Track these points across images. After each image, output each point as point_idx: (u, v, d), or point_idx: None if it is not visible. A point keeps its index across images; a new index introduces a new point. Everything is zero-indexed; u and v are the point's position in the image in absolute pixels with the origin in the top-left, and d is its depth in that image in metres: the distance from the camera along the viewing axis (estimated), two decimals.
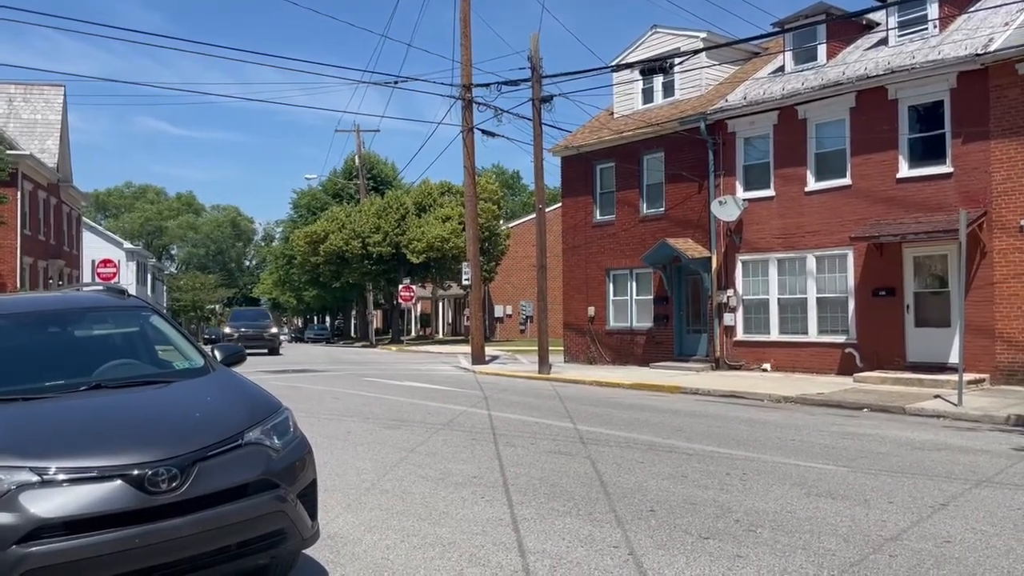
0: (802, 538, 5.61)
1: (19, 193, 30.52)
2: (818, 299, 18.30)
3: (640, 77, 22.76)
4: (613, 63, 22.65)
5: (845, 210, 17.65)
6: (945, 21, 17.32)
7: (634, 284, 22.59)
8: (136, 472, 3.71)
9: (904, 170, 16.82)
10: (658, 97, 22.71)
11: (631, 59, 22.46)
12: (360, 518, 6.26)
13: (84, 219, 48.64)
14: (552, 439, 9.97)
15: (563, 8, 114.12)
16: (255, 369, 21.26)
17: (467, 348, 28.04)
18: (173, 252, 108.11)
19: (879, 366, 16.74)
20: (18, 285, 29.88)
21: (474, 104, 23.44)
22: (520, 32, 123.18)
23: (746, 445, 9.48)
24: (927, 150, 16.59)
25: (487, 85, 25.14)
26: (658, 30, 22.28)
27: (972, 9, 17.44)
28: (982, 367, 15.42)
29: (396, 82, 23.57)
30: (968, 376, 14.14)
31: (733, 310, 19.87)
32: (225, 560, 3.96)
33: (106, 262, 29.79)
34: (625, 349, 22.54)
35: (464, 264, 27.68)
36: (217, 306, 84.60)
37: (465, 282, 26.89)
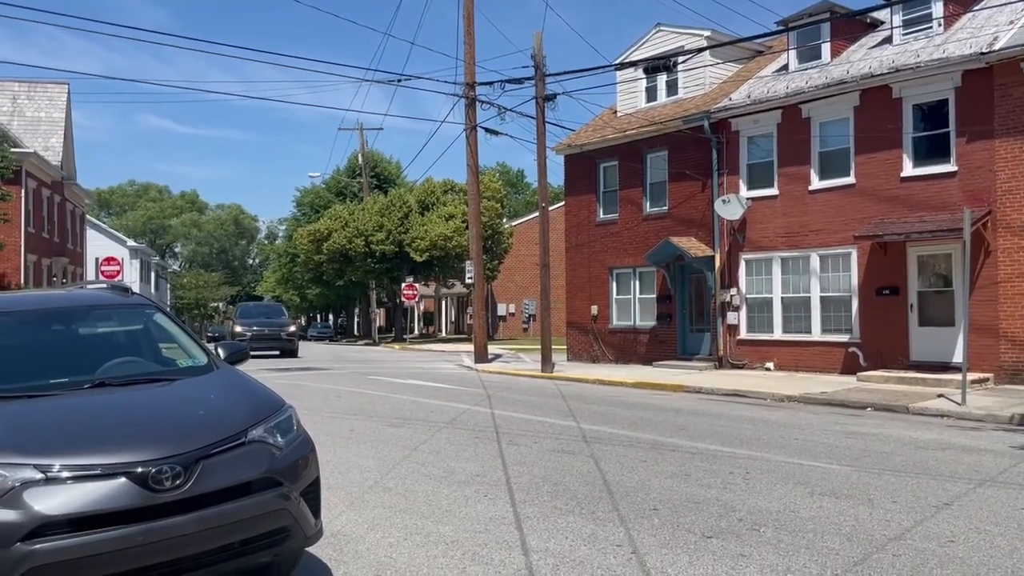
0: (805, 537, 5.60)
1: (23, 191, 30.56)
2: (822, 298, 18.28)
3: (644, 75, 22.76)
4: (617, 61, 22.63)
5: (849, 209, 17.62)
6: (950, 20, 17.28)
7: (637, 283, 22.58)
8: (140, 470, 3.71)
9: (908, 169, 16.79)
10: (662, 95, 22.69)
11: (635, 57, 22.43)
12: (363, 516, 6.26)
13: (88, 217, 48.73)
14: (555, 438, 9.97)
15: (567, 6, 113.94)
16: (258, 367, 21.29)
17: (470, 346, 28.06)
18: (177, 250, 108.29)
19: (883, 365, 16.71)
20: (22, 283, 29.93)
21: (477, 102, 23.43)
22: (523, 30, 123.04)
23: (749, 444, 9.47)
24: (931, 149, 16.55)
25: (491, 83, 25.23)
26: (662, 28, 22.25)
27: (977, 7, 17.39)
28: (986, 366, 15.39)
29: (399, 80, 23.64)
30: (972, 375, 14.11)
31: (736, 309, 19.84)
32: (228, 558, 3.97)
33: (110, 260, 29.83)
34: (628, 348, 22.52)
35: (467, 262, 27.69)
36: (220, 304, 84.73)
37: (468, 280, 26.90)
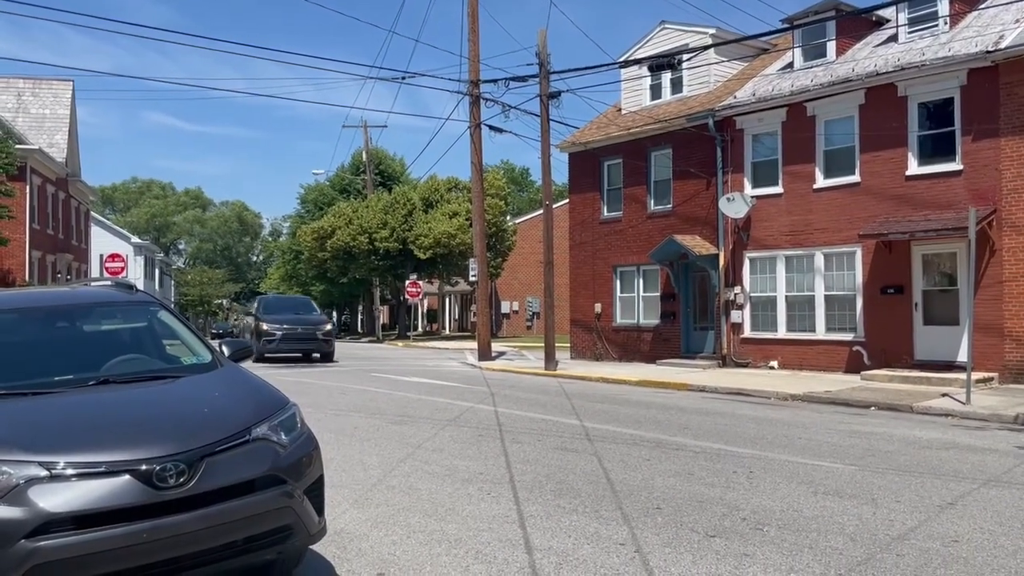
0: (809, 537, 5.59)
1: (28, 187, 30.63)
2: (826, 297, 18.25)
3: (648, 73, 22.71)
4: (621, 59, 22.60)
5: (854, 207, 17.59)
6: (955, 18, 17.24)
7: (641, 281, 22.56)
8: (144, 467, 3.72)
9: (913, 167, 16.75)
10: (666, 93, 22.66)
11: (639, 55, 22.41)
12: (366, 514, 6.27)
13: (92, 213, 48.80)
14: (558, 436, 9.97)
15: (571, 4, 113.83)
16: (261, 364, 21.32)
17: (473, 344, 28.05)
18: (181, 247, 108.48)
19: (887, 364, 16.68)
20: (26, 279, 30.00)
21: (482, 100, 23.42)
22: (528, 28, 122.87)
23: (753, 443, 9.46)
24: (937, 148, 16.51)
25: (495, 81, 25.16)
26: (666, 26, 22.21)
27: (983, 6, 17.34)
28: (991, 366, 15.36)
29: (403, 78, 23.73)
30: (976, 375, 14.09)
31: (740, 307, 19.82)
32: (232, 555, 3.97)
33: (114, 256, 29.85)
34: (631, 346, 22.51)
35: (471, 260, 27.68)
36: (224, 300, 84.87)
37: (472, 278, 26.90)
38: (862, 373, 16.59)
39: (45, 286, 24.40)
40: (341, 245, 43.81)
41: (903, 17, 17.86)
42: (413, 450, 8.96)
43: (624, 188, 22.85)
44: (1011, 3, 16.05)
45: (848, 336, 17.75)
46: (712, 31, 21.42)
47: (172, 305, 48.55)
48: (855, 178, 17.66)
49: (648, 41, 22.57)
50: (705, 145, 20.31)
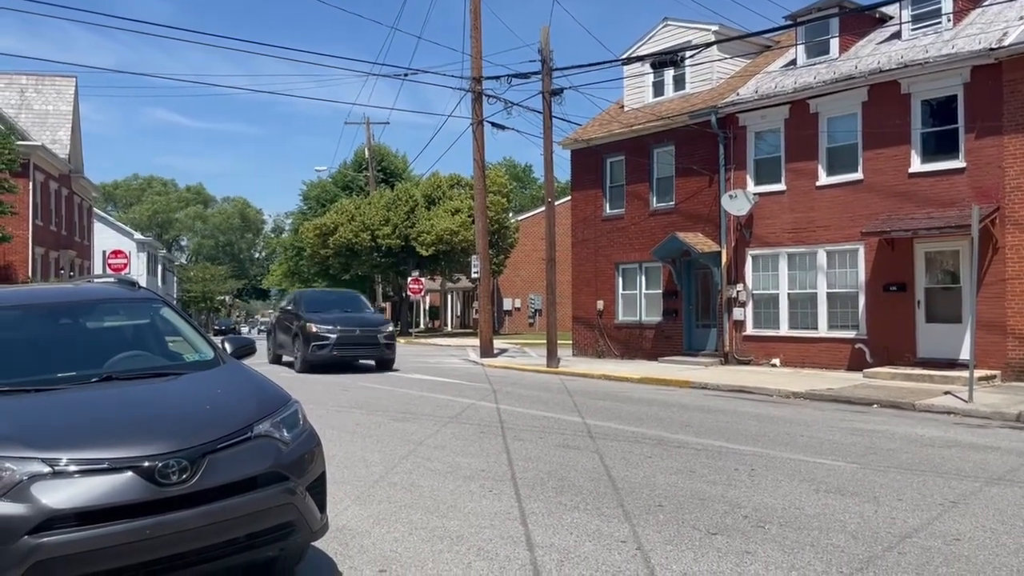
0: (811, 535, 5.59)
1: (31, 183, 30.65)
2: (828, 294, 18.23)
3: (651, 70, 22.69)
4: (624, 56, 22.57)
5: (856, 205, 17.56)
6: (959, 15, 17.20)
7: (643, 278, 22.55)
8: (147, 464, 3.73)
9: (916, 165, 16.72)
10: (669, 90, 22.63)
11: (642, 52, 22.38)
12: (368, 511, 6.28)
13: (95, 210, 48.84)
14: (560, 433, 9.98)
15: (574, 0, 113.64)
16: (263, 361, 21.33)
17: (476, 341, 28.06)
18: (183, 243, 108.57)
19: (889, 362, 16.67)
20: (29, 276, 30.03)
21: (484, 97, 23.39)
22: (530, 25, 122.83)
23: (755, 440, 9.46)
24: (940, 145, 16.48)
25: (497, 78, 25.13)
26: (669, 23, 22.19)
27: (986, 3, 17.27)
28: (993, 363, 15.34)
29: (406, 74, 23.58)
30: (979, 372, 14.06)
31: (743, 305, 19.81)
32: (234, 552, 3.98)
33: (117, 253, 29.87)
34: (634, 343, 22.51)
35: (473, 257, 27.66)
36: (227, 297, 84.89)
37: (474, 275, 26.88)
38: (864, 371, 16.57)
39: (48, 283, 24.43)
40: (343, 242, 43.82)
41: (906, 14, 17.82)
42: (415, 447, 8.97)
43: (626, 185, 22.83)
44: (1015, 0, 16.02)
45: (850, 334, 17.73)
46: (715, 28, 21.39)
47: (174, 302, 48.51)
48: (858, 175, 17.63)
49: (651, 38, 22.54)
50: (708, 142, 20.29)
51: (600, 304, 23.47)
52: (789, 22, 19.81)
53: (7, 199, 25.71)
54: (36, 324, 5.22)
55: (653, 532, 5.66)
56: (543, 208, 25.71)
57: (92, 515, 3.57)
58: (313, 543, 4.76)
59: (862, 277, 17.56)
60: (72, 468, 3.66)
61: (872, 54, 17.91)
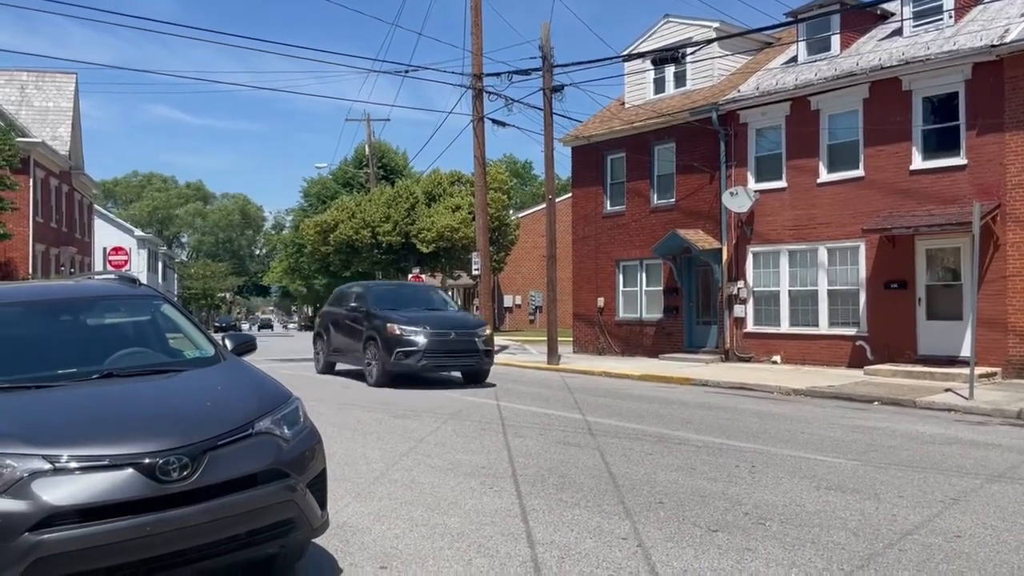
0: (811, 532, 5.59)
1: (31, 180, 30.62)
2: (829, 291, 18.23)
3: (652, 67, 22.67)
4: (625, 52, 22.55)
5: (857, 202, 17.55)
6: (960, 12, 17.17)
7: (644, 275, 22.55)
8: (147, 461, 3.72)
9: (917, 162, 16.71)
10: (670, 87, 22.61)
11: (643, 48, 22.36)
12: (369, 508, 6.28)
13: (95, 206, 48.82)
14: (561, 430, 9.97)
15: None
16: (263, 357, 21.34)
17: None
18: (184, 240, 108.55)
19: (890, 359, 16.66)
20: (30, 272, 30.03)
21: (485, 93, 23.33)
22: (531, 21, 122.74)
23: (755, 437, 9.45)
24: (941, 142, 16.46)
25: (498, 74, 24.99)
26: (670, 19, 22.16)
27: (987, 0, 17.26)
28: (994, 361, 15.34)
29: (407, 71, 23.47)
30: (980, 370, 14.06)
31: (743, 302, 19.80)
32: (235, 549, 3.98)
33: (117, 250, 29.85)
34: (634, 340, 22.51)
35: (474, 254, 27.62)
36: (228, 294, 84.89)
37: (475, 272, 26.85)
38: (865, 368, 16.57)
39: (48, 279, 24.42)
40: (344, 239, 43.81)
41: (908, 11, 17.79)
42: (415, 444, 8.97)
43: (627, 182, 22.82)
44: None
45: (851, 331, 17.73)
46: (716, 25, 21.36)
47: (175, 298, 48.49)
48: (859, 172, 17.62)
49: (652, 35, 22.51)
50: (708, 139, 20.27)
51: (601, 301, 23.47)
52: (790, 19, 19.77)
53: (7, 196, 25.68)
54: (37, 321, 5.21)
55: (654, 529, 5.66)
56: (544, 205, 25.68)
57: (93, 512, 3.57)
58: (314, 540, 4.76)
59: (863, 274, 17.55)
60: (73, 465, 3.65)
61: (873, 51, 17.89)
